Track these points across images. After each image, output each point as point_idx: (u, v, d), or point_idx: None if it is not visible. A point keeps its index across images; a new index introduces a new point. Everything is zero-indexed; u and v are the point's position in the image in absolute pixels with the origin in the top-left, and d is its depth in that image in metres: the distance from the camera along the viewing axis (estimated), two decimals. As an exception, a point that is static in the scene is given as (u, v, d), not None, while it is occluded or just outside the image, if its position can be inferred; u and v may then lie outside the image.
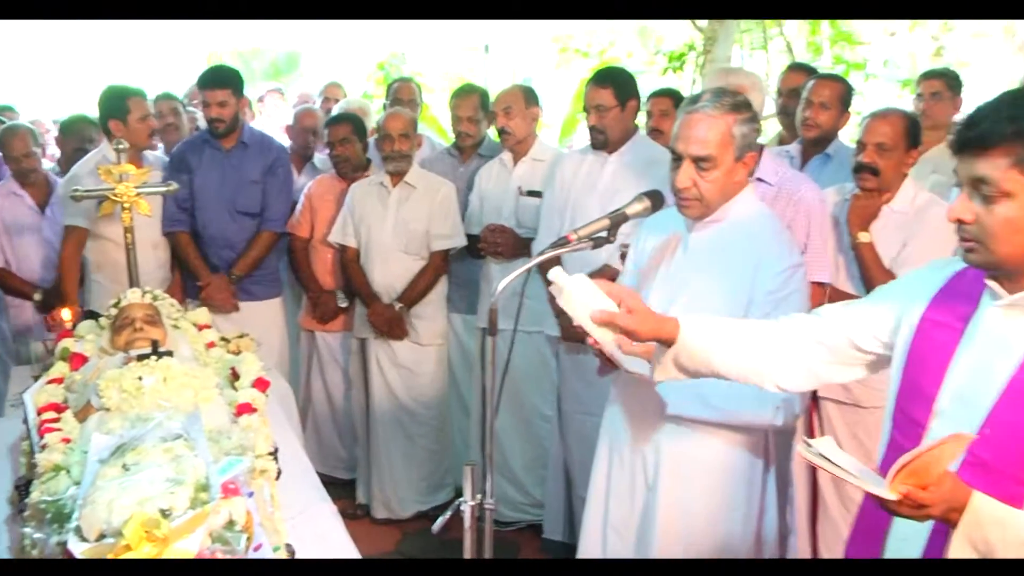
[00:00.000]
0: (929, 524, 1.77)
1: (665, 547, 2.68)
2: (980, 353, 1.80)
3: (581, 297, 2.13)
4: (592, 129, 4.01)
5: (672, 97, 4.68)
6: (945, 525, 1.71)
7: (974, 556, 1.68)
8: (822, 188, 3.74)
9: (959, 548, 1.68)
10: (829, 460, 1.76)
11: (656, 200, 2.55)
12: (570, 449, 4.18)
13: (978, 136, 1.68)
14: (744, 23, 8.74)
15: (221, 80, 4.59)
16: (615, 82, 3.99)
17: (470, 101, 4.94)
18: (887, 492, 1.67)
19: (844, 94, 4.18)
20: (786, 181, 3.37)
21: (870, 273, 3.40)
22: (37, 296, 4.70)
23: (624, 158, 3.99)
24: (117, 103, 4.42)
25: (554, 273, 2.18)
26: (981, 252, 1.73)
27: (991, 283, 1.79)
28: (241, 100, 4.67)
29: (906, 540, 1.88)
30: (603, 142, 4.00)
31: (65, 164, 5.07)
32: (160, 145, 5.28)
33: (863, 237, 3.42)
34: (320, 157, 5.65)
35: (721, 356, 2.11)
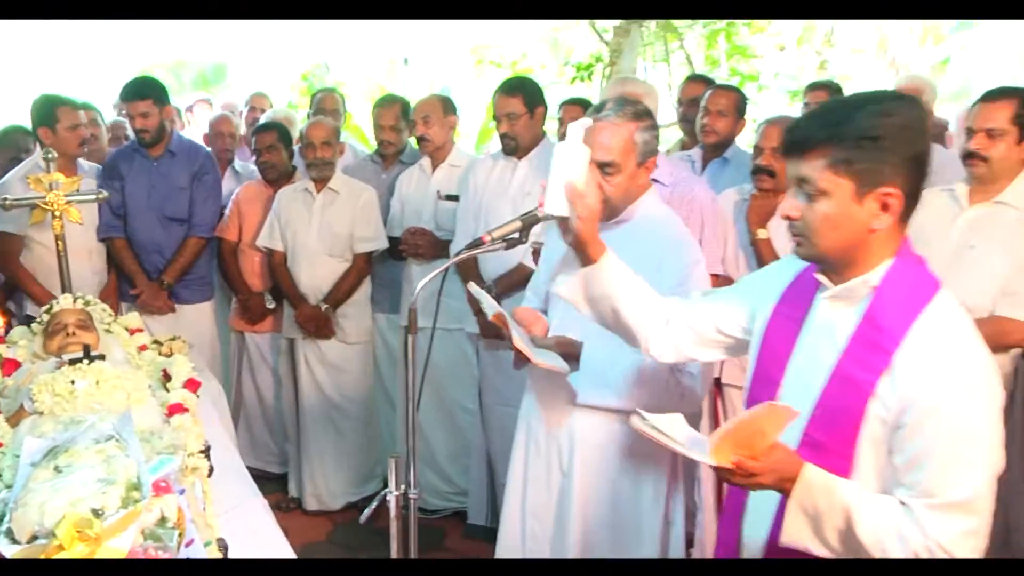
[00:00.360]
0: (776, 501, 1.83)
1: (581, 530, 2.69)
2: (812, 341, 1.87)
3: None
4: (504, 136, 4.03)
5: (581, 105, 4.70)
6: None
7: (806, 522, 1.75)
8: (721, 189, 3.82)
9: (793, 514, 1.75)
10: (659, 431, 1.82)
11: (566, 203, 2.57)
12: (492, 439, 4.19)
13: (797, 140, 1.77)
14: (646, 37, 8.86)
15: (142, 92, 4.50)
16: (524, 90, 4.03)
17: (391, 111, 4.93)
18: (710, 459, 1.74)
19: (739, 103, 4.27)
20: (680, 182, 3.43)
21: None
22: None
23: (533, 163, 4.02)
24: (47, 111, 4.32)
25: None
26: (806, 246, 1.81)
27: (820, 276, 1.85)
28: (165, 110, 4.55)
29: (758, 514, 1.94)
30: (514, 148, 4.03)
31: (0, 174, 4.92)
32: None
33: (761, 234, 3.48)
34: (240, 163, 5.61)
35: (623, 301, 2.18)
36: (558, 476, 2.75)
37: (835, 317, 1.83)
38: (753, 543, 1.98)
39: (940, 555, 1.66)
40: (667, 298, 2.25)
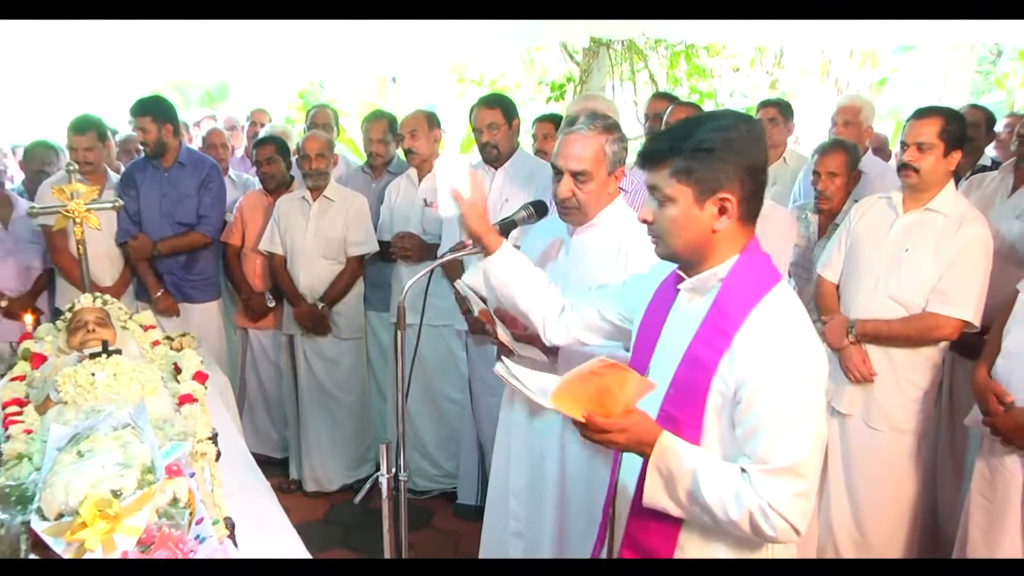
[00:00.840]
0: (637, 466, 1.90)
1: (559, 509, 2.72)
2: (673, 329, 1.95)
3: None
4: (486, 145, 4.04)
5: (554, 122, 4.73)
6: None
7: (661, 483, 1.82)
8: None
9: (651, 476, 1.83)
10: (516, 378, 1.88)
11: (540, 209, 2.60)
12: (481, 426, 4.21)
13: (648, 153, 1.87)
14: (614, 59, 8.91)
15: (143, 109, 4.53)
16: (501, 104, 4.08)
17: (379, 125, 4.97)
18: (549, 404, 1.78)
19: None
20: (640, 189, 3.45)
21: None
22: (3, 302, 4.54)
23: (509, 171, 4.05)
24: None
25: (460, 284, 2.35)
26: (660, 246, 1.91)
27: (679, 272, 1.96)
28: (164, 127, 4.52)
29: (630, 475, 1.98)
30: (496, 156, 4.05)
31: (28, 185, 5.15)
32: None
33: None
34: (235, 172, 5.66)
35: (518, 287, 2.37)
36: (539, 459, 2.77)
37: (691, 307, 1.92)
38: (624, 506, 2.04)
39: (772, 515, 1.72)
40: (569, 292, 2.40)
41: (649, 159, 1.85)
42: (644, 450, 1.83)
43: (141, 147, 4.55)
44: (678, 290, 1.96)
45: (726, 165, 1.78)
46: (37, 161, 5.05)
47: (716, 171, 1.77)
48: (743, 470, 1.76)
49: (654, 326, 2.01)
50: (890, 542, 3.39)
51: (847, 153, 3.93)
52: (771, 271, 1.87)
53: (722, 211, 1.80)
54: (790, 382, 1.74)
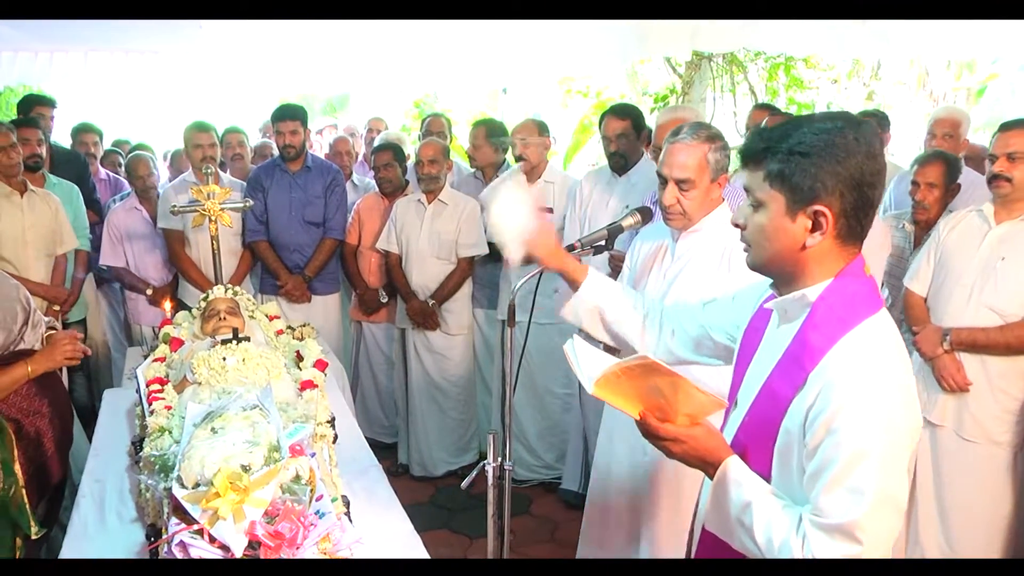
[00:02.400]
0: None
1: (657, 501, 2.68)
2: (762, 353, 1.72)
3: None
4: (614, 154, 3.99)
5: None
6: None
7: (717, 509, 1.63)
8: None
9: (710, 500, 1.64)
10: (576, 358, 1.71)
11: (646, 214, 2.57)
12: (587, 418, 4.17)
13: (744, 151, 1.64)
14: (715, 70, 8.76)
15: (292, 114, 4.68)
16: (632, 115, 4.03)
17: (478, 131, 4.98)
18: (590, 385, 1.63)
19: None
20: (734, 194, 3.38)
21: None
22: (149, 291, 4.78)
23: (632, 179, 3.99)
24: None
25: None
26: (749, 254, 1.67)
27: (772, 289, 1.71)
28: (306, 130, 4.73)
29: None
30: (623, 165, 4.00)
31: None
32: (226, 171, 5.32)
33: None
34: (358, 176, 5.75)
35: (611, 316, 2.22)
36: (641, 456, 2.73)
37: (779, 332, 1.67)
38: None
39: None
40: (672, 307, 2.20)
41: (746, 158, 1.62)
42: (706, 469, 1.65)
43: (285, 149, 4.66)
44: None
45: (824, 173, 1.50)
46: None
47: (812, 179, 1.50)
48: (801, 517, 1.51)
49: (750, 347, 1.77)
50: (982, 556, 3.22)
51: (947, 165, 3.79)
52: (871, 299, 1.57)
53: (816, 226, 1.53)
54: (862, 429, 1.44)
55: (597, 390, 1.62)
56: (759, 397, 1.64)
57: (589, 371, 1.66)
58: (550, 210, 4.40)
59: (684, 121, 2.89)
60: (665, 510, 2.69)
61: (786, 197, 1.54)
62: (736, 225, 1.68)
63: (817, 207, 1.52)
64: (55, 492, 2.90)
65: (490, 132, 4.89)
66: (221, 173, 4.84)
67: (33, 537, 2.31)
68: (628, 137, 3.95)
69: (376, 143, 5.37)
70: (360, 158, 6.50)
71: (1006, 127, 3.21)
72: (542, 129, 4.51)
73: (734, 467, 1.61)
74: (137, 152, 5.09)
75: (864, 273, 1.59)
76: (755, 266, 1.67)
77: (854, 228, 1.55)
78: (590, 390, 1.64)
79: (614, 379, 1.60)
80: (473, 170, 5.25)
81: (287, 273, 4.72)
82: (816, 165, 1.50)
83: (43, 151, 4.74)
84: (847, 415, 1.45)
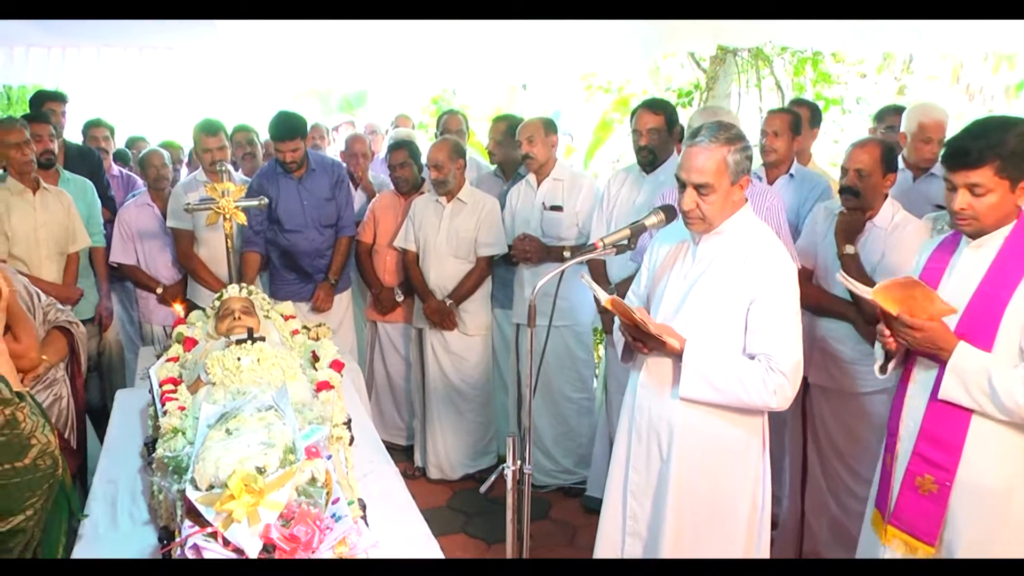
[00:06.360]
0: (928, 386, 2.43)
1: (676, 511, 2.66)
2: (959, 276, 2.41)
3: None
4: (643, 149, 3.94)
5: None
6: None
7: (957, 380, 2.30)
8: (789, 203, 3.73)
9: (949, 375, 2.32)
10: None
11: (669, 213, 2.56)
12: (612, 422, 4.13)
13: (970, 156, 2.28)
14: (741, 65, 8.71)
15: (290, 133, 4.55)
16: (666, 110, 3.99)
17: (498, 127, 5.02)
18: (867, 292, 2.42)
19: (792, 123, 4.11)
20: (755, 195, 3.36)
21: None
22: (159, 289, 4.82)
23: (660, 177, 3.95)
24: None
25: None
26: (975, 225, 2.35)
27: (968, 238, 2.43)
28: (306, 140, 4.66)
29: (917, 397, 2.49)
30: (652, 161, 3.96)
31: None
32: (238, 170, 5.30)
33: (848, 250, 3.35)
34: (372, 174, 5.73)
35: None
36: (657, 462, 2.72)
37: (976, 258, 2.39)
38: (916, 411, 2.46)
39: None
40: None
41: (971, 161, 2.27)
42: (940, 353, 2.33)
43: (289, 164, 4.60)
44: (953, 252, 2.46)
45: None
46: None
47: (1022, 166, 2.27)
48: None
49: (933, 279, 2.46)
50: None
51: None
52: None
53: (1020, 192, 2.31)
54: None
55: (876, 295, 2.38)
56: (975, 298, 2.34)
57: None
58: (560, 208, 4.39)
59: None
60: (693, 514, 2.68)
61: (1010, 181, 2.29)
62: (961, 210, 2.32)
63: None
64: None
65: (510, 129, 4.89)
66: (233, 171, 4.77)
67: (79, 519, 2.34)
68: (660, 133, 3.91)
69: (388, 142, 5.38)
70: (383, 155, 6.49)
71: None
72: (549, 127, 4.48)
73: (967, 346, 2.31)
74: (152, 148, 5.13)
75: None
76: (978, 232, 2.37)
77: None
78: (867, 295, 2.43)
79: (892, 287, 2.36)
80: (493, 167, 5.24)
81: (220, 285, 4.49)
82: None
83: (55, 147, 4.76)
84: None
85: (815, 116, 4.88)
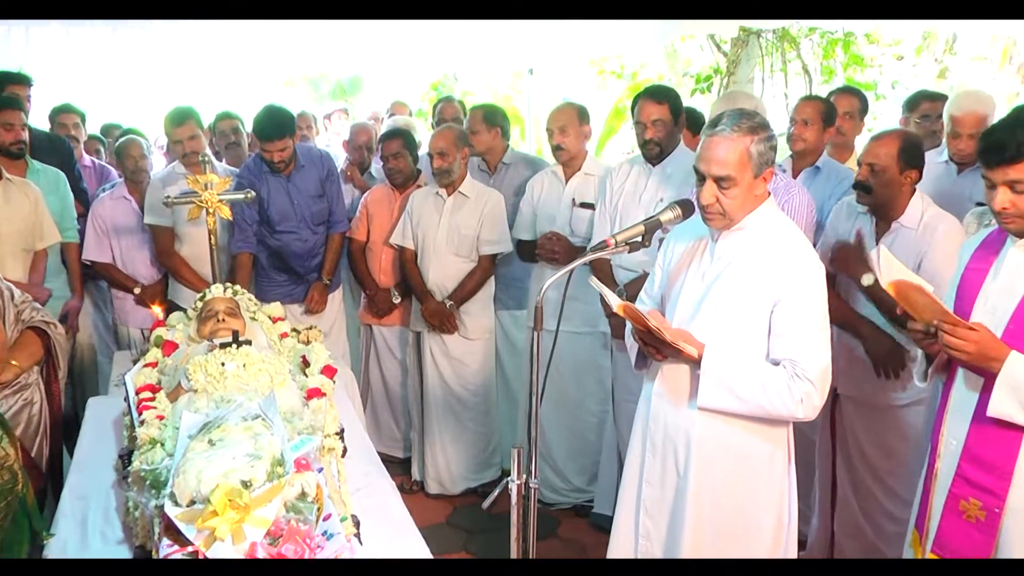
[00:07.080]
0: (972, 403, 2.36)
1: (694, 530, 2.65)
2: (1005, 278, 2.34)
3: None
4: (648, 142, 3.91)
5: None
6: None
7: (1009, 392, 2.20)
8: (815, 197, 3.71)
9: (1000, 387, 2.21)
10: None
11: (687, 208, 2.55)
12: (621, 434, 4.15)
13: (1009, 151, 2.22)
14: (766, 48, 8.68)
15: (278, 132, 4.46)
16: (670, 98, 3.95)
17: (475, 115, 4.98)
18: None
19: (825, 112, 4.08)
20: (779, 190, 3.34)
21: (885, 307, 3.24)
22: (137, 290, 4.81)
23: (667, 170, 3.93)
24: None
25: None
26: (1019, 224, 2.29)
27: (1014, 238, 2.35)
28: (294, 137, 4.62)
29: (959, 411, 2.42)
30: (657, 153, 3.94)
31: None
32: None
33: (866, 280, 3.28)
34: (376, 167, 5.68)
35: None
36: (673, 477, 2.70)
37: (1019, 261, 2.33)
38: (959, 428, 2.40)
39: None
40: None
41: (1010, 157, 2.21)
42: (991, 365, 2.22)
43: (277, 164, 4.54)
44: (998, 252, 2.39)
45: None
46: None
47: None
48: None
49: (976, 281, 2.42)
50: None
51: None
52: None
53: None
54: None
55: (892, 288, 2.34)
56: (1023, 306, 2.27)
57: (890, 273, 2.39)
58: (591, 206, 4.32)
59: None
60: (710, 532, 2.67)
61: None
62: (1004, 209, 2.27)
63: None
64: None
65: (487, 116, 4.87)
66: (216, 162, 4.77)
67: (44, 541, 2.33)
68: (665, 123, 3.88)
69: (383, 130, 5.36)
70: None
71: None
72: (583, 116, 4.42)
73: (1019, 357, 2.20)
74: (129, 137, 5.04)
75: None
76: (1022, 231, 2.32)
77: None
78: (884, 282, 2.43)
79: (910, 287, 2.33)
80: (477, 160, 5.10)
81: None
82: None
83: (27, 137, 4.68)
84: None
85: (864, 107, 4.81)
